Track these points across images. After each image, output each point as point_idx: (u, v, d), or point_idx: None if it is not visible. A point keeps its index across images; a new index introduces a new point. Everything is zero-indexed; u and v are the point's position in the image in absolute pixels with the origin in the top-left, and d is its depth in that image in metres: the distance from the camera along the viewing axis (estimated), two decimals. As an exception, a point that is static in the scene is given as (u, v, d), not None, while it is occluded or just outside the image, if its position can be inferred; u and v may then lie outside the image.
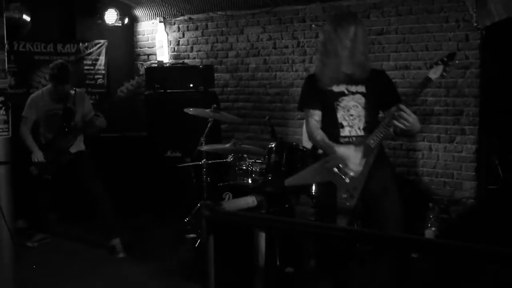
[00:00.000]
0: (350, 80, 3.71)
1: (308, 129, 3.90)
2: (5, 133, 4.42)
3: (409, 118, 3.40)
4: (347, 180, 3.65)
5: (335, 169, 3.67)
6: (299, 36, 6.33)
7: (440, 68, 3.53)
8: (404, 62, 5.55)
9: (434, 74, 3.53)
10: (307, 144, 5.14)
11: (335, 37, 3.67)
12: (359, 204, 3.74)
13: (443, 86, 5.37)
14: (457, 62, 3.66)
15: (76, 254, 5.41)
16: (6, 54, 4.77)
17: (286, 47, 6.43)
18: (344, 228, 3.70)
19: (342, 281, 4.03)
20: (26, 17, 6.10)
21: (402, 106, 3.43)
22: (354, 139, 3.69)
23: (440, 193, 5.44)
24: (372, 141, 3.61)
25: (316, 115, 3.83)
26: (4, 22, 4.87)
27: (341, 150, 3.67)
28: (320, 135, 3.80)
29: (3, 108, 4.56)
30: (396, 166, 5.60)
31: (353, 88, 3.72)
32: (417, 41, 5.49)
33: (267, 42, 6.58)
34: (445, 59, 3.55)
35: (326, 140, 3.76)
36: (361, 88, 3.72)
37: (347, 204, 3.68)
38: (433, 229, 4.99)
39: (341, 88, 3.73)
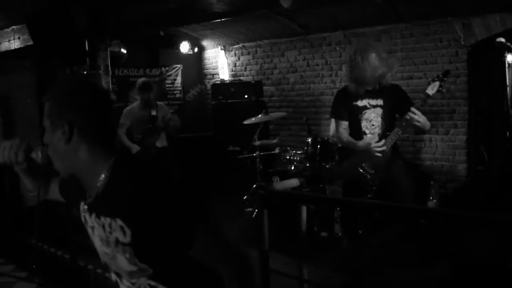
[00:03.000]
0: (371, 95, 3.72)
1: (337, 134, 3.97)
2: (112, 136, 4.60)
3: (420, 119, 3.44)
4: (369, 176, 3.73)
5: (360, 169, 3.76)
6: (327, 56, 6.37)
7: (436, 84, 3.46)
8: (408, 74, 5.54)
9: (432, 90, 3.47)
10: (334, 139, 5.21)
11: (357, 62, 3.63)
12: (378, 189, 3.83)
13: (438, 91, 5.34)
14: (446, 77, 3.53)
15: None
16: (110, 78, 4.97)
17: (317, 65, 6.48)
18: (364, 201, 3.76)
19: (359, 242, 4.09)
20: (123, 50, 6.30)
21: (414, 109, 3.44)
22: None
23: (439, 173, 5.42)
24: (385, 147, 3.65)
25: (343, 125, 3.91)
26: (108, 55, 5.08)
27: (360, 142, 3.74)
28: (345, 136, 3.88)
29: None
30: (405, 153, 5.60)
31: (373, 102, 3.73)
32: (417, 57, 5.48)
33: (302, 62, 6.63)
34: (441, 75, 3.49)
35: (350, 138, 3.85)
36: (380, 102, 3.72)
37: (369, 196, 3.74)
38: (434, 201, 4.97)
39: (364, 103, 3.75)
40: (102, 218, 1.39)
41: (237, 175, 6.27)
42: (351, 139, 3.85)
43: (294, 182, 4.61)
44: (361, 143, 3.76)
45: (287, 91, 6.84)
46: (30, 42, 5.51)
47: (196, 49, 7.49)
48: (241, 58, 7.35)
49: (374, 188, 3.74)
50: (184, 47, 7.18)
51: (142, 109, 5.62)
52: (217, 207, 6.16)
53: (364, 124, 3.78)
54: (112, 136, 1.47)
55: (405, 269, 3.66)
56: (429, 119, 5.34)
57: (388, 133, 3.68)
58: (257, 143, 5.24)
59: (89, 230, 1.50)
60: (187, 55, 7.38)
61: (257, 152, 5.25)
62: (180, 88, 7.50)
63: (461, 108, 5.28)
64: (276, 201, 4.08)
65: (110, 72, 5.34)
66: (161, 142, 5.64)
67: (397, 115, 3.78)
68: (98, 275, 4.32)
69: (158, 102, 5.92)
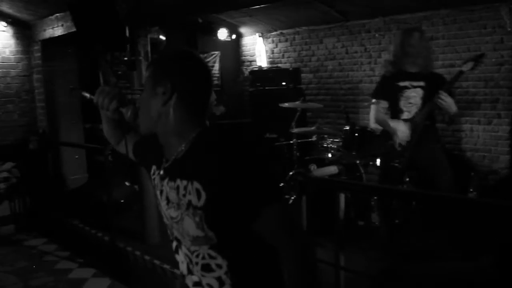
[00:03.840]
0: (413, 77, 3.83)
1: (375, 114, 4.04)
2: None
3: (446, 99, 3.59)
4: (399, 148, 3.85)
5: (390, 142, 3.92)
6: (366, 44, 6.28)
7: (471, 63, 3.66)
8: (450, 62, 5.40)
9: (466, 67, 3.67)
10: (373, 126, 5.16)
11: (401, 46, 3.82)
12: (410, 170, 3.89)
13: (482, 80, 5.21)
14: (482, 63, 3.83)
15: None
16: (150, 64, 5.02)
17: (356, 52, 6.40)
18: (402, 189, 3.73)
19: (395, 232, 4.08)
20: (162, 37, 6.34)
21: (441, 91, 3.61)
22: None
23: (480, 165, 5.30)
24: (418, 118, 3.80)
25: (382, 104, 4.00)
26: (148, 42, 5.14)
27: (393, 124, 3.87)
28: (382, 116, 3.98)
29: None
30: (445, 143, 5.50)
31: (415, 83, 3.82)
32: (460, 44, 5.34)
33: (341, 49, 6.56)
34: (476, 56, 3.73)
35: (385, 117, 3.97)
36: (422, 83, 3.81)
37: (399, 166, 3.82)
38: (474, 193, 4.88)
39: (406, 83, 3.85)
40: (178, 181, 1.45)
41: (275, 162, 6.27)
42: (385, 118, 3.97)
43: (333, 169, 4.60)
44: (391, 123, 3.90)
45: (325, 78, 6.79)
46: (73, 29, 5.63)
47: (234, 36, 7.48)
48: (279, 45, 7.32)
49: (403, 158, 3.85)
50: (222, 34, 7.19)
51: None
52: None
53: (402, 102, 3.88)
54: (205, 106, 1.52)
55: (446, 259, 3.62)
56: (471, 109, 5.28)
57: (423, 109, 3.81)
58: (295, 130, 5.23)
59: (157, 193, 1.57)
60: (225, 42, 7.39)
61: (294, 140, 5.24)
62: (218, 75, 7.53)
63: (505, 97, 5.13)
64: (314, 188, 4.08)
65: (150, 58, 5.41)
66: None
67: None
68: (136, 256, 4.42)
69: None
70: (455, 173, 4.95)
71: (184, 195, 1.42)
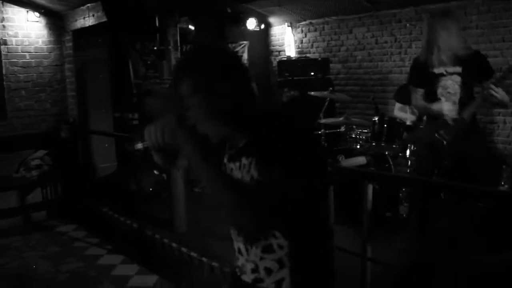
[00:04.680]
0: (448, 62, 3.62)
1: (413, 101, 3.90)
2: (180, 111, 4.71)
3: (497, 95, 3.32)
4: (445, 143, 3.64)
5: (436, 135, 3.68)
6: (396, 34, 6.19)
7: (499, 76, 3.42)
8: (483, 52, 5.23)
9: (494, 78, 3.40)
10: (399, 114, 5.08)
11: (435, 31, 3.60)
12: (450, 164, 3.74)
13: (516, 70, 5.08)
14: None
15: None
16: (179, 53, 5.07)
17: (386, 42, 6.31)
18: (433, 181, 3.68)
19: (425, 224, 4.01)
20: (191, 27, 6.39)
21: (491, 85, 3.33)
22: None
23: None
24: (466, 115, 3.57)
25: (419, 92, 3.81)
26: (178, 31, 5.17)
27: (434, 106, 3.69)
28: (422, 103, 3.80)
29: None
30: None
31: (451, 70, 3.62)
32: (494, 35, 5.21)
33: (370, 39, 6.49)
34: (507, 69, 3.45)
35: (424, 103, 3.78)
36: (458, 69, 3.60)
37: (445, 163, 3.66)
38: (506, 186, 4.78)
39: (441, 70, 3.64)
40: (243, 159, 1.50)
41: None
42: (423, 102, 3.79)
43: (361, 159, 4.56)
44: (434, 106, 3.70)
45: (354, 68, 6.72)
46: (104, 19, 5.71)
47: (262, 26, 7.47)
48: (308, 35, 7.27)
49: (450, 156, 3.67)
50: (251, 23, 7.18)
51: None
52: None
53: (440, 91, 3.68)
54: (253, 91, 1.56)
55: (477, 252, 3.56)
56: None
57: (467, 101, 3.59)
58: (323, 120, 5.21)
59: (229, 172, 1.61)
60: (253, 31, 7.38)
61: (322, 130, 5.22)
62: (246, 64, 7.52)
63: (540, 88, 5.00)
64: (341, 179, 4.06)
65: (179, 48, 5.44)
66: None
67: (477, 84, 3.65)
68: (164, 244, 4.48)
69: None
70: (487, 165, 4.89)
71: (248, 171, 1.47)
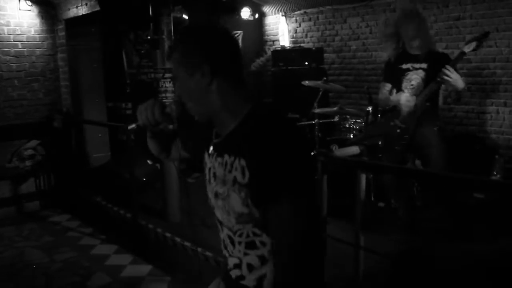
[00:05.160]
0: (416, 59, 3.86)
1: (379, 95, 4.19)
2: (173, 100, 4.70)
3: (449, 78, 3.52)
4: (398, 130, 3.92)
5: (391, 123, 3.97)
6: (391, 23, 6.17)
7: (474, 44, 3.54)
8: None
9: (468, 48, 3.55)
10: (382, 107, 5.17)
11: (402, 29, 3.85)
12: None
13: (510, 61, 5.07)
14: (484, 42, 3.63)
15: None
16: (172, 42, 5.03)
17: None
18: (423, 171, 3.70)
19: (411, 213, 4.06)
20: (185, 16, 6.34)
21: (447, 66, 3.53)
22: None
23: (505, 147, 5.20)
24: (418, 101, 3.79)
25: (386, 86, 4.10)
26: (171, 20, 5.14)
27: (395, 96, 3.96)
28: (384, 95, 4.09)
29: (171, 81, 4.85)
30: (468, 126, 5.42)
31: (417, 65, 3.85)
32: (488, 24, 5.18)
33: (365, 29, 6.46)
34: (480, 36, 3.58)
35: (386, 95, 4.06)
36: (423, 65, 3.82)
37: (398, 148, 3.92)
38: (498, 176, 4.80)
39: (408, 65, 3.90)
40: (226, 156, 1.45)
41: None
42: (386, 95, 4.05)
43: (354, 149, 4.56)
44: (393, 97, 3.97)
45: (349, 58, 6.70)
46: (97, 8, 5.66)
47: (257, 15, 7.42)
48: (302, 24, 7.24)
49: (403, 142, 3.88)
50: (245, 13, 7.14)
51: None
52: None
53: (404, 84, 3.91)
54: (243, 78, 1.51)
55: (466, 242, 3.59)
56: (498, 91, 5.17)
57: (428, 87, 3.78)
58: (317, 110, 5.20)
59: (206, 172, 1.59)
60: (247, 21, 7.34)
61: (316, 120, 5.21)
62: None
63: (533, 79, 5.01)
64: (335, 168, 4.07)
65: (173, 37, 5.40)
66: None
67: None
68: (158, 234, 4.48)
69: None
70: (479, 156, 4.91)
71: (230, 171, 1.42)
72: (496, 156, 4.94)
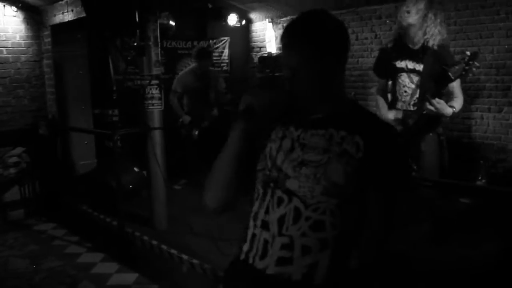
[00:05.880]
0: (412, 57, 3.51)
1: (376, 91, 3.95)
2: (159, 107, 4.71)
3: (436, 105, 3.28)
4: None
5: None
6: (376, 30, 6.21)
7: (461, 67, 3.14)
8: (461, 48, 5.32)
9: (455, 74, 3.17)
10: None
11: (406, 15, 3.43)
12: None
13: (494, 67, 5.13)
14: (477, 64, 3.17)
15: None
16: (159, 49, 5.03)
17: (366, 38, 6.34)
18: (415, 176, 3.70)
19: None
20: (172, 23, 6.33)
21: (430, 99, 3.28)
22: (404, 113, 3.60)
23: (489, 152, 5.25)
24: (410, 120, 3.53)
25: (381, 83, 3.84)
26: (158, 27, 5.12)
27: (385, 115, 3.69)
28: (378, 100, 3.85)
29: (158, 88, 4.83)
30: (454, 131, 5.46)
31: (411, 66, 3.53)
32: (472, 31, 5.26)
33: (351, 35, 6.44)
34: (467, 58, 3.14)
35: (380, 104, 3.80)
36: (419, 67, 3.50)
37: None
38: (483, 180, 4.83)
39: (403, 64, 3.57)
40: (331, 130, 1.46)
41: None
42: (381, 104, 3.80)
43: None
44: (383, 116, 3.67)
45: (335, 65, 6.74)
46: (83, 14, 5.62)
47: (244, 22, 7.44)
48: (289, 31, 7.26)
49: None
50: (232, 19, 7.15)
51: (195, 81, 5.71)
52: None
53: (398, 88, 3.64)
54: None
55: (450, 247, 3.60)
56: (482, 96, 5.23)
57: (416, 108, 3.52)
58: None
59: (277, 143, 1.52)
60: (234, 27, 7.35)
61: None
62: (227, 61, 7.51)
63: (517, 85, 5.06)
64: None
65: (160, 43, 5.39)
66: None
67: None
68: (144, 242, 4.45)
69: (213, 69, 6.02)
70: (464, 160, 4.94)
71: (339, 143, 1.42)
72: (481, 161, 4.98)
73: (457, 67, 3.17)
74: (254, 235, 1.50)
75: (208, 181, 1.54)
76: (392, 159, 1.43)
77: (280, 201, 1.45)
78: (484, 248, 3.44)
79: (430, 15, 3.41)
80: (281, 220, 1.43)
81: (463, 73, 3.15)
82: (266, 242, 1.45)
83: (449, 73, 3.19)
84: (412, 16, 3.40)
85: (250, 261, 1.48)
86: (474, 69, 3.18)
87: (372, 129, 1.44)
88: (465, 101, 4.86)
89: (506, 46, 4.99)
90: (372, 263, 1.42)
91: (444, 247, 3.57)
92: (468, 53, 3.17)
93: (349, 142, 1.41)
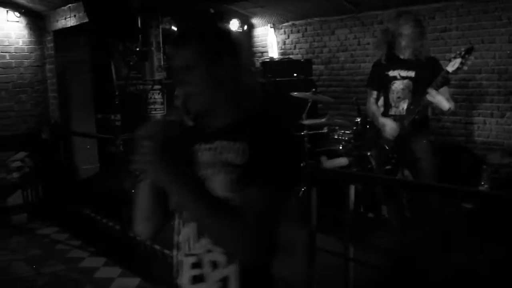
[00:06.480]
0: (404, 66, 3.64)
1: (367, 104, 3.98)
2: (162, 111, 4.72)
3: (433, 99, 3.38)
4: (387, 148, 3.77)
5: (380, 140, 3.82)
6: (378, 35, 6.22)
7: (458, 61, 3.29)
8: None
9: (452, 67, 3.31)
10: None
11: (393, 30, 3.63)
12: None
13: (496, 72, 5.15)
14: (473, 58, 3.32)
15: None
16: (161, 54, 5.05)
17: (368, 43, 6.34)
18: (414, 182, 3.71)
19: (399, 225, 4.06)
20: (174, 28, 6.35)
21: (429, 90, 3.37)
22: (397, 117, 3.69)
23: (492, 157, 5.24)
24: (405, 121, 3.62)
25: (373, 94, 3.92)
26: (160, 32, 5.15)
27: (382, 120, 3.76)
28: (372, 109, 3.90)
29: (160, 93, 4.85)
30: (456, 136, 5.47)
31: (404, 73, 3.64)
32: (474, 36, 5.26)
33: (353, 41, 6.52)
34: (463, 52, 3.30)
35: (375, 111, 3.87)
36: (411, 73, 3.62)
37: (386, 167, 3.77)
38: (486, 186, 4.82)
39: (395, 73, 3.68)
40: (217, 143, 1.43)
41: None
42: (376, 112, 3.87)
43: (343, 161, 4.59)
44: (380, 120, 3.78)
45: (337, 70, 6.75)
46: (85, 20, 5.65)
47: (245, 27, 7.46)
48: (291, 36, 7.28)
49: (393, 160, 3.76)
50: (234, 24, 7.17)
51: None
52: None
53: (391, 96, 3.74)
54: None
55: (454, 253, 3.60)
56: (484, 101, 5.23)
57: (412, 107, 3.62)
58: (306, 122, 5.21)
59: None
60: (236, 33, 7.35)
61: (305, 131, 5.22)
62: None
63: (519, 90, 5.07)
64: (323, 180, 4.07)
65: (162, 48, 5.41)
66: None
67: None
68: (146, 246, 4.45)
69: None
70: (467, 166, 4.94)
71: (221, 153, 1.40)
72: (484, 166, 4.98)
73: (453, 61, 3.31)
74: (176, 257, 1.55)
75: (134, 214, 1.54)
76: (272, 154, 1.35)
77: (185, 221, 1.48)
78: (488, 253, 3.44)
79: (419, 29, 3.59)
80: (188, 239, 1.47)
81: (460, 66, 3.28)
82: (181, 262, 1.49)
83: (447, 67, 3.32)
84: (405, 27, 3.57)
85: (178, 282, 1.52)
86: (469, 62, 3.30)
87: (259, 131, 1.39)
88: (467, 106, 4.91)
89: (508, 52, 5.00)
90: (252, 260, 1.37)
91: (449, 253, 3.57)
92: (463, 48, 3.35)
93: (230, 150, 1.39)
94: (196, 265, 1.44)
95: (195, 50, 1.42)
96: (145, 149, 1.35)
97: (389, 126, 3.71)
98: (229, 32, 1.54)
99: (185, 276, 1.47)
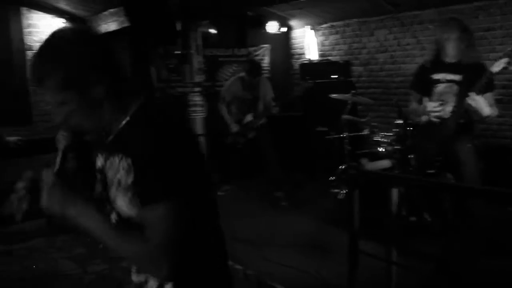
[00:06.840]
0: (450, 69, 3.61)
1: (410, 105, 3.98)
2: (202, 114, 4.77)
3: (473, 103, 3.32)
4: (431, 151, 3.74)
5: (425, 143, 3.79)
6: (418, 35, 6.14)
7: (503, 60, 3.23)
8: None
9: (497, 67, 3.25)
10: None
11: (441, 35, 3.61)
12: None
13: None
14: None
15: (250, 200, 5.71)
16: (201, 57, 5.11)
17: (408, 44, 6.27)
18: (459, 185, 3.63)
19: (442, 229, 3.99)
20: (213, 31, 6.41)
21: (470, 94, 3.31)
22: (441, 120, 3.63)
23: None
24: (449, 123, 3.57)
25: (416, 97, 3.89)
26: (199, 35, 5.21)
27: (421, 107, 3.77)
28: (413, 106, 3.92)
29: (200, 95, 4.90)
30: (502, 138, 5.34)
31: (450, 77, 3.60)
32: (519, 35, 5.15)
33: (392, 41, 6.44)
34: (510, 50, 3.23)
35: (417, 108, 3.85)
36: (457, 77, 3.57)
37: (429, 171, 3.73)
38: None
39: (440, 76, 3.66)
40: (111, 158, 1.36)
41: (324, 156, 6.25)
42: (417, 107, 3.85)
43: (385, 163, 4.52)
44: (421, 107, 3.77)
45: (376, 71, 6.68)
46: (126, 24, 5.76)
47: (283, 29, 7.48)
48: (330, 37, 7.25)
49: (437, 163, 3.71)
50: (272, 27, 7.19)
51: (242, 89, 5.60)
52: (304, 187, 6.21)
53: (435, 98, 3.69)
54: (126, 72, 1.42)
55: (499, 258, 3.51)
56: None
57: (456, 110, 3.56)
58: (345, 121, 5.18)
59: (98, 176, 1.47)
60: (274, 34, 7.39)
61: (345, 133, 5.19)
62: (268, 68, 7.54)
63: None
64: (364, 183, 4.04)
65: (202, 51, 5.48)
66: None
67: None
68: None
69: (263, 76, 5.95)
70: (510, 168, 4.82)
71: (115, 173, 1.34)
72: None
73: (498, 61, 3.25)
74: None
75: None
76: (154, 166, 1.24)
77: None
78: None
79: (465, 34, 3.56)
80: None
81: (506, 66, 3.23)
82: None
83: (492, 68, 3.27)
84: (451, 32, 3.55)
85: None
86: None
87: (137, 143, 1.28)
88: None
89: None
90: (171, 274, 1.31)
91: (495, 258, 3.49)
92: (509, 48, 3.27)
93: (120, 169, 1.31)
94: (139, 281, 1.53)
95: (57, 83, 1.32)
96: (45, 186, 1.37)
97: (430, 104, 3.66)
98: (87, 37, 1.40)
99: None
